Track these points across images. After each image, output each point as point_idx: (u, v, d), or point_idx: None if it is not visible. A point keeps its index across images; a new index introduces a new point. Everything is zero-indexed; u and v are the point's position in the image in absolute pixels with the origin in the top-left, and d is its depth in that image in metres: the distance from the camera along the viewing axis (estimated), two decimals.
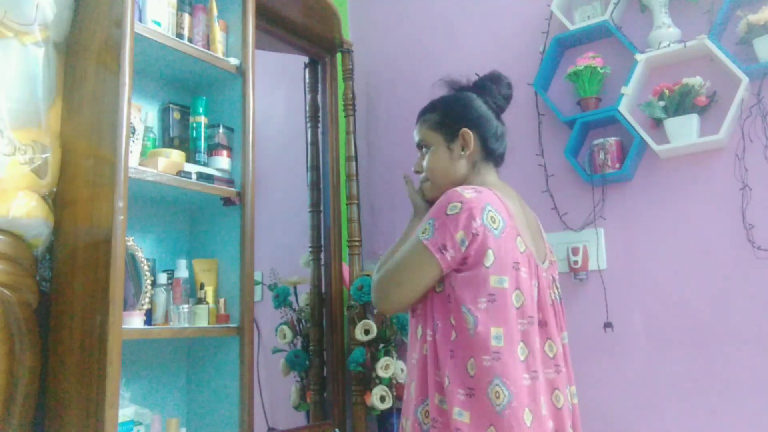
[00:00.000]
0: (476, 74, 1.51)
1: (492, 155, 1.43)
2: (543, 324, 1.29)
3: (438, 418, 1.23)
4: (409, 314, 1.39)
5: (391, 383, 2.08)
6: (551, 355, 1.28)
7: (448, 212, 1.23)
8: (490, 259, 1.21)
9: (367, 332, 2.09)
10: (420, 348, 1.30)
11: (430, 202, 1.39)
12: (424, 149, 1.46)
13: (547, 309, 1.30)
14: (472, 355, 1.19)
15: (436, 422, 1.23)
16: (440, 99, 1.48)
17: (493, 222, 1.23)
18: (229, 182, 1.76)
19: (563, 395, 1.28)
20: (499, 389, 1.16)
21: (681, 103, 1.84)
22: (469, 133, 1.39)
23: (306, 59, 2.40)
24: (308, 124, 2.37)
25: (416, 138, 1.47)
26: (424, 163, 1.44)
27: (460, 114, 1.42)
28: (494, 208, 1.25)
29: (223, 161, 1.78)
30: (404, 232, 1.47)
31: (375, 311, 1.29)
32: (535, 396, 1.20)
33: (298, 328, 2.22)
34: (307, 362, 2.18)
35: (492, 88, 1.47)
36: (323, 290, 2.25)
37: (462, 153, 1.40)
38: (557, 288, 1.39)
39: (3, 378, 1.45)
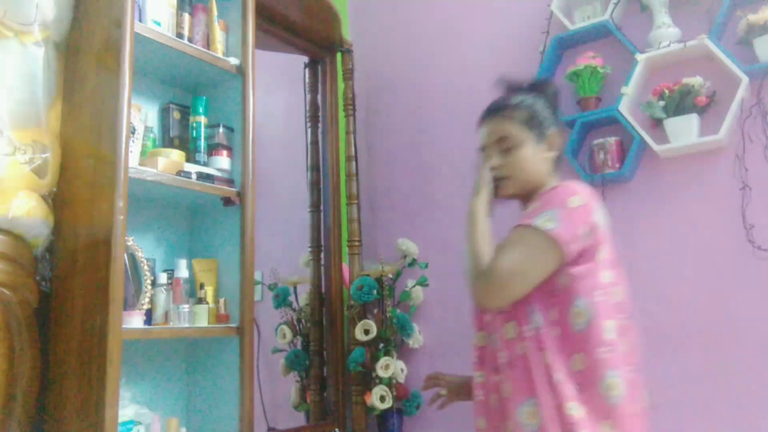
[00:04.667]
0: (546, 82, 1.49)
1: (561, 160, 1.46)
2: None
3: (546, 414, 1.19)
4: (478, 315, 1.37)
5: (391, 383, 2.08)
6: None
7: (570, 205, 1.23)
8: (602, 254, 1.25)
9: (367, 332, 2.09)
10: (515, 347, 1.25)
11: (504, 198, 1.40)
12: (504, 145, 1.38)
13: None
14: (582, 350, 1.20)
15: (545, 420, 1.19)
16: (521, 97, 1.42)
17: (602, 218, 1.28)
18: (229, 182, 1.76)
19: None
20: (613, 381, 1.18)
21: (681, 103, 1.84)
22: (557, 136, 1.41)
23: (306, 59, 2.40)
24: (308, 124, 2.37)
25: (497, 133, 1.39)
26: (507, 159, 1.38)
27: (549, 115, 1.41)
28: (599, 205, 1.29)
29: (223, 161, 1.78)
30: (476, 208, 1.36)
31: (482, 304, 1.21)
32: (638, 388, 1.24)
33: (298, 328, 2.22)
34: (307, 362, 2.18)
35: (550, 94, 1.45)
36: (323, 290, 2.25)
37: (547, 155, 1.40)
38: None
39: (3, 378, 1.45)
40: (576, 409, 1.17)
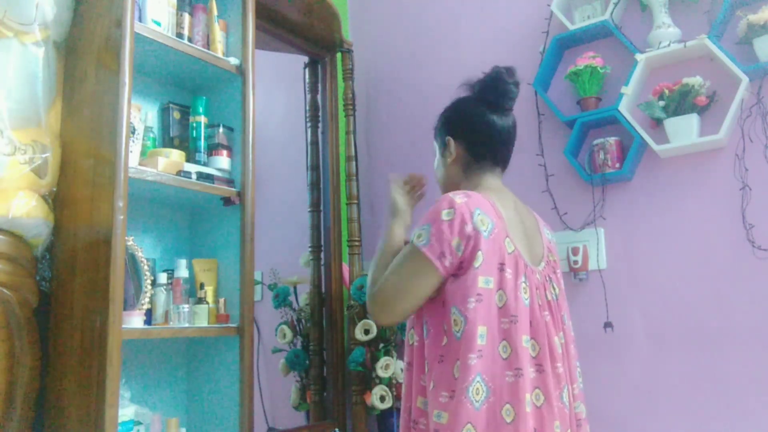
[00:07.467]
0: (482, 73, 1.48)
1: (483, 160, 1.43)
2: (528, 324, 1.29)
3: (420, 419, 1.30)
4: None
5: (391, 383, 2.08)
6: (533, 354, 1.29)
7: (444, 218, 1.25)
8: (479, 261, 1.24)
9: (367, 332, 2.09)
10: (411, 352, 1.36)
11: None
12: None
13: (536, 309, 1.30)
14: (459, 357, 1.22)
15: (417, 424, 1.30)
16: (444, 108, 1.53)
17: (483, 224, 1.25)
18: (229, 182, 1.76)
19: (548, 394, 1.27)
20: (479, 386, 1.20)
21: (681, 103, 1.84)
22: (450, 142, 1.45)
23: (306, 59, 2.40)
24: (308, 124, 2.37)
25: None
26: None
27: (446, 122, 1.49)
28: (483, 210, 1.27)
29: (223, 161, 1.78)
30: (385, 233, 1.45)
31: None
32: (517, 393, 1.22)
33: (298, 327, 2.22)
34: (307, 362, 2.18)
35: (487, 89, 1.45)
36: (323, 290, 2.25)
37: (450, 161, 1.45)
38: (555, 288, 1.39)
39: (3, 378, 1.45)
40: (439, 417, 1.22)
